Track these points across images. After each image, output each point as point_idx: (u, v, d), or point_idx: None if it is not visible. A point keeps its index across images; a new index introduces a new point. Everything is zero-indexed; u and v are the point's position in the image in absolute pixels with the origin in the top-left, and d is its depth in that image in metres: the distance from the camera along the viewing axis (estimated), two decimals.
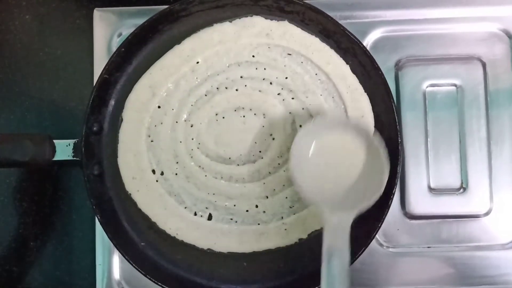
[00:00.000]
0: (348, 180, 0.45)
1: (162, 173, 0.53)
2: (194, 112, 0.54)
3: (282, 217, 0.53)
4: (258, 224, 0.53)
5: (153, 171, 0.53)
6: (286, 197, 0.53)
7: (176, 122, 0.53)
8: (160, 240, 0.53)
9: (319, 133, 0.47)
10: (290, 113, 0.53)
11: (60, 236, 0.58)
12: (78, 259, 0.58)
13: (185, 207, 0.53)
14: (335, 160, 0.46)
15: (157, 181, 0.53)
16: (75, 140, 0.52)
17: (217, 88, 0.54)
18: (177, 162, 0.53)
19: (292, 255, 0.53)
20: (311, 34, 0.53)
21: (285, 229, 0.53)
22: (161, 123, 0.53)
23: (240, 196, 0.53)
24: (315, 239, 0.52)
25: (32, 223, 0.58)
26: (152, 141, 0.54)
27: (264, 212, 0.53)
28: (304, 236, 0.52)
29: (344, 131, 0.47)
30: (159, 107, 0.53)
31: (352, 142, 0.46)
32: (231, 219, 0.53)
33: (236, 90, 0.54)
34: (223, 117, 0.54)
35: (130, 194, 0.53)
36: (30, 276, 0.58)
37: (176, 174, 0.53)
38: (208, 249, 0.53)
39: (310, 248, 0.52)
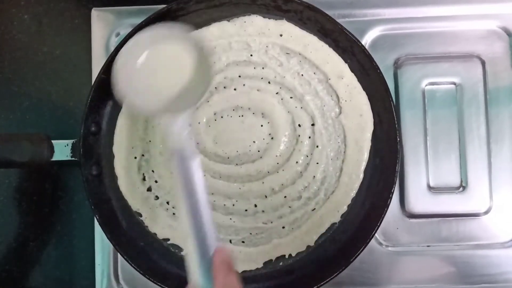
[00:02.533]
0: (178, 84, 0.45)
1: (156, 181, 0.53)
2: (193, 112, 0.53)
3: (281, 217, 0.53)
4: (257, 224, 0.53)
5: (144, 177, 0.53)
6: (285, 197, 0.53)
7: None
8: (159, 240, 0.53)
9: (148, 44, 0.46)
10: (288, 112, 0.53)
11: (59, 236, 0.58)
12: (77, 259, 0.58)
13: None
14: (162, 67, 0.46)
15: (149, 187, 0.53)
16: (73, 140, 0.51)
17: (216, 88, 0.54)
18: None
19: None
20: (309, 33, 0.53)
21: (283, 227, 0.53)
22: (159, 124, 0.53)
23: (239, 196, 0.53)
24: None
25: (31, 223, 0.58)
26: (150, 141, 0.54)
27: (263, 211, 0.53)
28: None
29: (169, 39, 0.46)
30: None
31: (181, 50, 0.45)
32: (230, 218, 0.53)
33: (235, 89, 0.53)
34: (222, 117, 0.53)
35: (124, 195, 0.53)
36: (29, 276, 0.58)
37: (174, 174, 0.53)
38: None
39: (309, 247, 0.53)
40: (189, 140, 0.43)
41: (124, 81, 0.44)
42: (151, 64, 0.45)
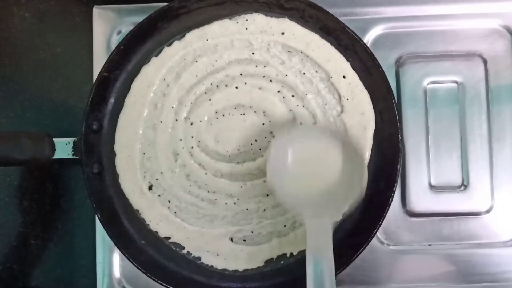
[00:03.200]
0: (326, 184, 0.46)
1: (157, 179, 0.53)
2: (194, 110, 0.53)
3: (282, 215, 0.53)
4: (259, 222, 0.53)
5: (145, 176, 0.53)
6: None
7: (176, 120, 0.53)
8: (160, 238, 0.53)
9: (295, 141, 0.48)
10: (290, 110, 0.53)
11: (60, 234, 0.58)
12: (78, 257, 0.58)
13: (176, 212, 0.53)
14: (313, 166, 0.47)
15: (150, 186, 0.53)
16: (74, 138, 0.51)
17: (217, 86, 0.53)
18: (176, 161, 0.53)
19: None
20: (311, 31, 0.53)
21: (285, 226, 0.53)
22: (161, 122, 0.53)
23: (241, 194, 0.53)
24: None
25: (32, 222, 0.58)
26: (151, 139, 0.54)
27: (264, 210, 0.53)
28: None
29: (319, 137, 0.48)
30: (158, 105, 0.53)
31: (328, 147, 0.47)
32: (232, 217, 0.53)
33: (236, 87, 0.53)
34: (223, 115, 0.53)
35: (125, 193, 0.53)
36: (30, 274, 0.58)
37: (175, 172, 0.53)
38: None
39: None
40: (328, 243, 0.43)
41: (276, 176, 0.46)
42: (300, 160, 0.46)
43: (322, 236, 0.43)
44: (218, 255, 0.53)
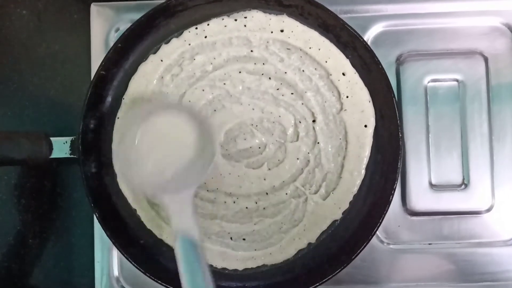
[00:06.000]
0: (179, 160, 0.44)
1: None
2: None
3: (282, 214, 0.53)
4: (258, 221, 0.52)
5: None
6: (286, 193, 0.53)
7: None
8: (158, 238, 0.53)
9: (144, 120, 0.45)
10: (289, 108, 0.53)
11: (59, 233, 0.58)
12: (77, 256, 0.58)
13: None
14: (162, 145, 0.44)
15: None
16: (72, 137, 0.51)
17: (216, 83, 0.53)
18: None
19: None
20: (310, 28, 0.53)
21: (284, 224, 0.52)
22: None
23: (240, 193, 0.53)
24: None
25: (30, 220, 0.58)
26: None
27: (264, 208, 0.53)
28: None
29: (164, 112, 0.45)
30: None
31: (176, 121, 0.44)
32: (231, 216, 0.53)
33: (235, 85, 0.53)
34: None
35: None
36: (29, 273, 0.58)
37: None
38: None
39: (310, 245, 0.52)
40: (193, 221, 0.42)
41: (121, 160, 0.43)
42: (148, 140, 0.43)
43: (184, 214, 0.42)
44: (217, 254, 0.53)
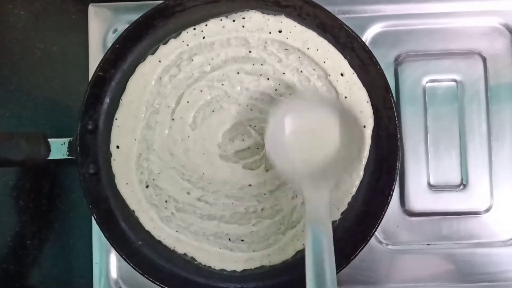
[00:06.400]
0: (325, 155, 0.46)
1: (153, 179, 0.53)
2: (190, 110, 0.53)
3: (280, 215, 0.52)
4: (256, 222, 0.52)
5: (141, 176, 0.53)
6: (286, 195, 0.52)
7: (173, 119, 0.53)
8: (157, 239, 0.53)
9: (292, 112, 0.47)
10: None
11: (57, 235, 0.58)
12: (75, 258, 0.58)
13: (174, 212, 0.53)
14: (311, 137, 0.46)
15: (147, 186, 0.53)
16: (70, 138, 0.51)
17: (214, 84, 0.53)
18: (173, 160, 0.53)
19: None
20: (309, 28, 0.53)
21: (282, 225, 0.52)
22: (157, 122, 0.53)
23: (238, 194, 0.53)
24: None
25: (29, 222, 0.58)
26: (148, 139, 0.53)
27: (262, 210, 0.52)
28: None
29: (317, 107, 0.47)
30: (154, 105, 0.53)
31: (326, 117, 0.46)
32: (229, 216, 0.53)
33: (233, 86, 0.53)
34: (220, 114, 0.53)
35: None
36: (27, 275, 0.58)
37: (172, 172, 0.53)
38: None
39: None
40: (328, 213, 0.43)
41: (274, 147, 0.45)
42: (299, 131, 0.46)
43: (321, 206, 0.43)
44: (215, 256, 0.53)
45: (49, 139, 0.51)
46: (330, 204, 0.44)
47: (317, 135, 0.46)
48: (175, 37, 0.53)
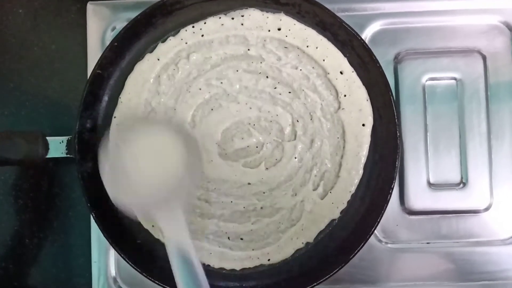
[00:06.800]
0: (168, 176, 0.44)
1: None
2: (189, 108, 0.53)
3: (280, 214, 0.52)
4: (256, 220, 0.52)
5: None
6: (285, 193, 0.52)
7: (171, 117, 0.53)
8: (155, 237, 0.53)
9: (129, 138, 0.45)
10: (287, 107, 0.53)
11: (56, 233, 0.58)
12: (74, 256, 0.58)
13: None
14: (152, 159, 0.45)
15: None
16: (68, 137, 0.51)
17: (212, 82, 0.53)
18: None
19: None
20: (308, 26, 0.53)
21: (282, 224, 0.52)
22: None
23: (237, 192, 0.53)
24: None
25: (27, 220, 0.58)
26: None
27: (261, 208, 0.52)
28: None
29: (149, 130, 0.46)
30: (152, 103, 0.53)
31: (161, 138, 0.45)
32: (229, 215, 0.53)
33: (232, 84, 0.53)
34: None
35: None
36: (26, 274, 0.58)
37: None
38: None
39: (308, 244, 0.52)
40: (185, 232, 0.42)
41: (109, 177, 0.44)
42: (135, 157, 0.44)
43: (179, 228, 0.43)
44: (214, 254, 0.52)
45: (47, 138, 0.51)
46: (185, 221, 0.43)
47: (155, 161, 0.44)
48: (173, 35, 0.53)
